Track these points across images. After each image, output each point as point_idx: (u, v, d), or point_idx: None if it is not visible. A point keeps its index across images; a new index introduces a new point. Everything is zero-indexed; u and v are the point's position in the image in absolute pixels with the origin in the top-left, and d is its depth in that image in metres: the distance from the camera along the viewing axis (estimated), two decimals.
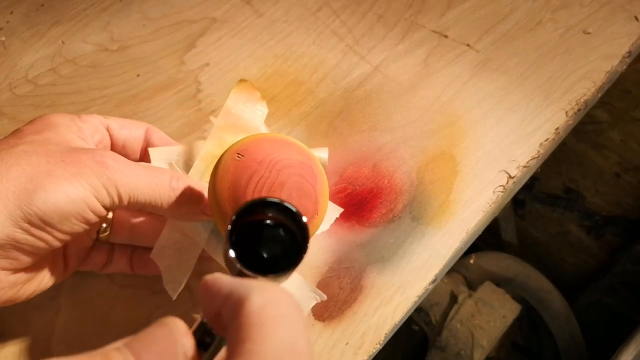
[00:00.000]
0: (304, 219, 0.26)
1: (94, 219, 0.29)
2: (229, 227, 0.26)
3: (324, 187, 0.32)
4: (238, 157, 0.30)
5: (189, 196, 0.32)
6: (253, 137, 0.32)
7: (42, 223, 0.27)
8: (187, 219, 0.33)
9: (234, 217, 0.26)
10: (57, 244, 0.29)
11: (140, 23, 0.51)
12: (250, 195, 0.29)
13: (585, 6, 0.53)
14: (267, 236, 0.28)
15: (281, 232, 0.28)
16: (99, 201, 0.29)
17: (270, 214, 0.28)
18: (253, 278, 0.25)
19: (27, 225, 0.27)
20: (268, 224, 0.28)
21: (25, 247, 0.28)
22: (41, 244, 0.28)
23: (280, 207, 0.27)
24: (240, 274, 0.25)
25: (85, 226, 0.29)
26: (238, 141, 0.32)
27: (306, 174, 0.31)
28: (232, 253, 0.25)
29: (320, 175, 0.32)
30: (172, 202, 0.31)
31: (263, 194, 0.29)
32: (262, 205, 0.27)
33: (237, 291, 0.19)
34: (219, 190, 0.30)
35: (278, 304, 0.19)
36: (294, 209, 0.27)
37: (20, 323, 0.36)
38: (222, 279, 0.20)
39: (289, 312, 0.19)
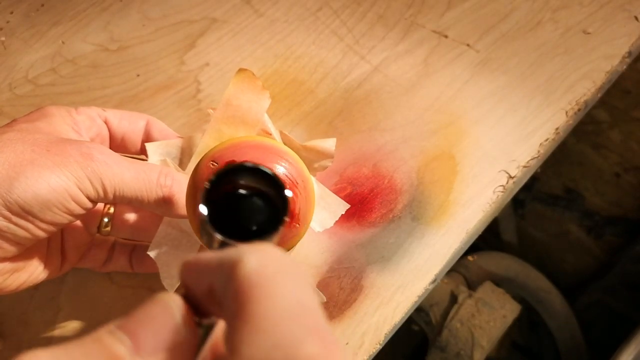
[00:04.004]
0: (287, 192, 0.25)
1: (77, 209, 0.29)
2: (202, 198, 0.24)
3: (308, 194, 0.32)
4: (212, 164, 0.30)
5: (177, 194, 0.32)
6: (231, 142, 0.31)
7: (23, 211, 0.27)
8: (176, 216, 0.33)
9: (207, 186, 0.24)
10: (40, 233, 0.29)
11: (140, 23, 0.51)
12: None
13: (585, 6, 0.53)
14: (244, 206, 0.26)
15: (258, 200, 0.26)
16: (82, 192, 0.28)
17: (244, 182, 0.26)
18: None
19: (7, 213, 0.27)
20: (243, 194, 0.26)
21: (8, 236, 0.28)
22: (24, 233, 0.28)
23: (256, 173, 0.25)
24: (220, 246, 0.23)
25: (69, 217, 0.29)
26: (216, 146, 0.32)
27: (284, 181, 0.30)
28: (204, 210, 0.23)
29: (303, 181, 0.31)
30: (158, 199, 0.31)
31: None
32: (235, 172, 0.25)
33: (227, 258, 0.17)
34: (195, 197, 0.30)
35: (275, 260, 0.17)
36: (269, 172, 0.25)
37: (20, 323, 0.36)
38: (207, 254, 0.19)
39: (290, 268, 0.17)
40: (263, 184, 0.25)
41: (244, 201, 0.26)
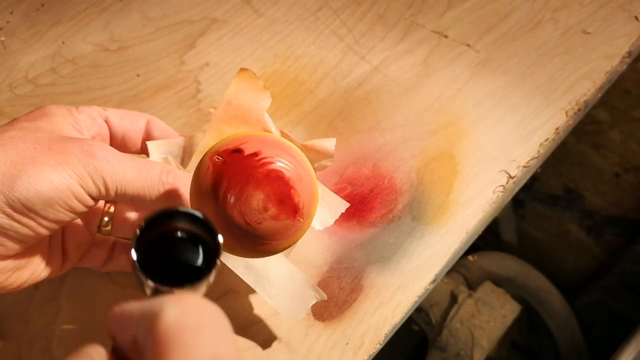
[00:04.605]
0: (219, 238, 0.25)
1: (80, 207, 0.29)
2: (133, 243, 0.24)
3: (312, 188, 0.32)
4: (217, 158, 0.30)
5: (179, 191, 0.32)
6: (235, 136, 0.32)
7: (25, 209, 0.27)
8: None
9: (137, 233, 0.24)
10: (43, 231, 0.29)
11: (140, 23, 0.51)
12: (227, 200, 0.29)
13: (585, 6, 0.53)
14: (179, 249, 0.27)
15: (193, 242, 0.27)
16: (84, 190, 0.28)
17: (180, 225, 0.26)
18: (168, 293, 0.23)
19: (9, 211, 0.27)
20: (179, 236, 0.27)
21: (11, 233, 0.28)
22: (26, 231, 0.28)
23: (190, 217, 0.26)
24: (155, 293, 0.24)
25: (71, 215, 0.29)
26: (220, 141, 0.32)
27: (289, 175, 0.30)
28: (134, 257, 0.23)
29: (307, 176, 0.31)
30: (160, 196, 0.31)
31: (242, 200, 0.29)
32: (169, 216, 0.26)
33: (149, 309, 0.17)
34: (199, 192, 0.30)
35: (196, 311, 0.17)
36: (201, 217, 0.25)
37: (20, 323, 0.36)
38: (132, 304, 0.19)
39: (210, 319, 0.17)
40: (198, 228, 0.26)
41: (180, 244, 0.27)
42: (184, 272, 0.26)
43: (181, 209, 0.26)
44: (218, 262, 0.25)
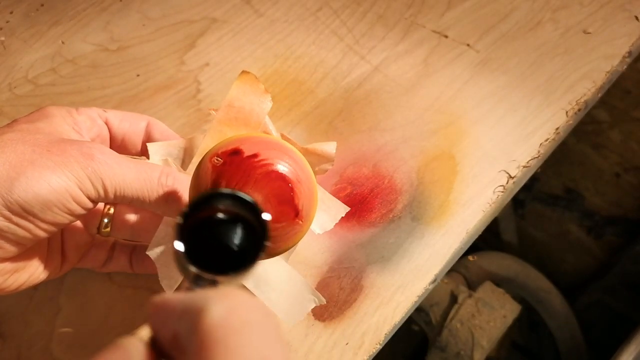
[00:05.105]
0: (265, 215, 0.24)
1: (78, 210, 0.29)
2: (179, 225, 0.23)
3: (311, 191, 0.31)
4: (216, 160, 0.30)
5: (178, 193, 0.32)
6: (234, 138, 0.32)
7: (24, 211, 0.27)
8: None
9: (181, 219, 0.23)
10: (41, 233, 0.29)
11: (140, 23, 0.51)
12: None
13: (585, 6, 0.53)
14: (223, 232, 0.26)
15: (238, 226, 0.26)
16: (83, 192, 0.28)
17: (224, 207, 0.25)
18: (211, 280, 0.22)
19: (8, 213, 0.27)
20: (223, 219, 0.26)
21: (9, 236, 0.28)
22: (24, 233, 0.28)
23: (235, 199, 0.25)
24: (196, 279, 0.23)
25: (70, 217, 0.29)
26: (219, 143, 0.32)
27: (289, 177, 0.30)
28: (180, 248, 0.23)
29: (306, 179, 0.31)
30: (160, 198, 0.31)
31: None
32: (214, 198, 0.25)
33: (193, 305, 0.17)
34: (198, 193, 0.30)
35: (243, 310, 0.16)
36: (249, 200, 0.24)
37: (20, 323, 0.36)
38: (173, 297, 0.18)
39: (257, 319, 0.16)
40: (242, 209, 0.25)
41: (223, 228, 0.26)
42: (227, 257, 0.25)
43: (224, 190, 0.25)
44: (267, 244, 0.24)
